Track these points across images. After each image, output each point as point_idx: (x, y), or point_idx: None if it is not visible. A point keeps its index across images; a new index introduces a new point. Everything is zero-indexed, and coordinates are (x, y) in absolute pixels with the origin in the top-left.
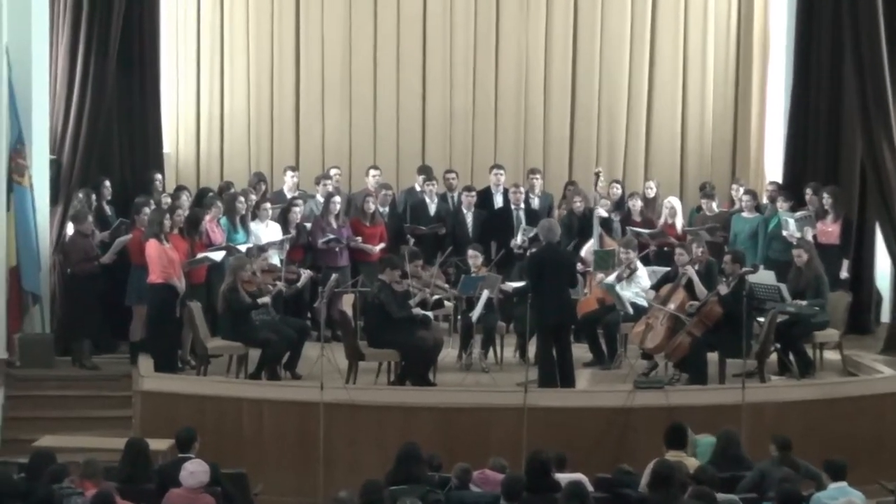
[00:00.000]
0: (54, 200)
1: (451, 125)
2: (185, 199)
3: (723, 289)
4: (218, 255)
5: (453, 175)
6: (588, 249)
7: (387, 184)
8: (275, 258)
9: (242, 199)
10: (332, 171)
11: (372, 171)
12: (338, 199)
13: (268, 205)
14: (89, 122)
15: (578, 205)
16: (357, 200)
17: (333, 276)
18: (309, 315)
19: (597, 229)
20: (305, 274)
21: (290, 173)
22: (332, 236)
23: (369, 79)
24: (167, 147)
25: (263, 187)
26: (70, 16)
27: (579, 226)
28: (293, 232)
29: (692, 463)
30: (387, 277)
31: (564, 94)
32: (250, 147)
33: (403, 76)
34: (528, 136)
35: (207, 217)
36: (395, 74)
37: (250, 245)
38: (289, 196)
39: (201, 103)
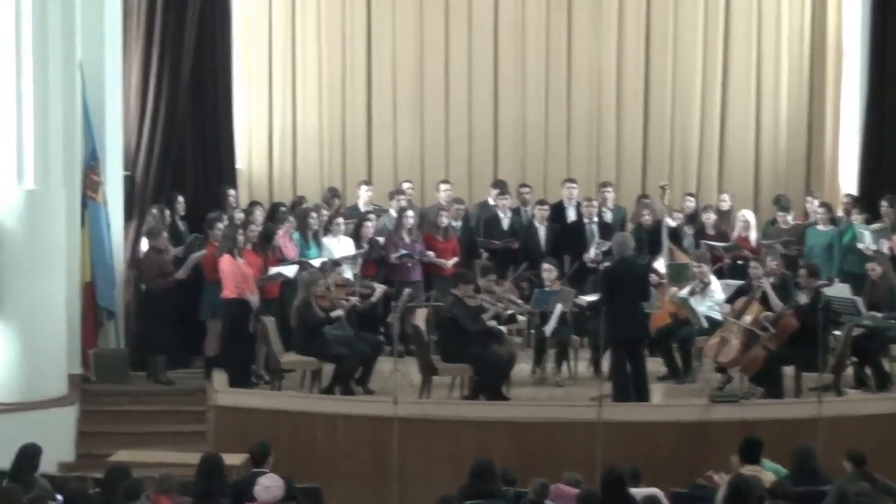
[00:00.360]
0: (128, 216)
1: (524, 138)
2: (259, 215)
3: (802, 298)
4: (291, 271)
5: (528, 189)
6: (661, 263)
7: (459, 198)
8: (348, 273)
9: (315, 214)
10: (405, 186)
11: (442, 186)
12: (411, 213)
13: (341, 220)
14: (163, 138)
15: (647, 218)
16: (430, 215)
17: (406, 290)
18: (382, 330)
19: (665, 242)
20: (379, 289)
21: (363, 188)
22: (405, 251)
23: (441, 92)
24: (240, 162)
25: (337, 202)
26: (143, 31)
27: (648, 239)
28: (366, 247)
29: (768, 477)
30: (460, 292)
31: (637, 105)
32: (322, 162)
33: (475, 89)
34: (601, 149)
35: (280, 232)
36: (467, 87)
37: (324, 259)
38: (363, 210)
39: (273, 118)
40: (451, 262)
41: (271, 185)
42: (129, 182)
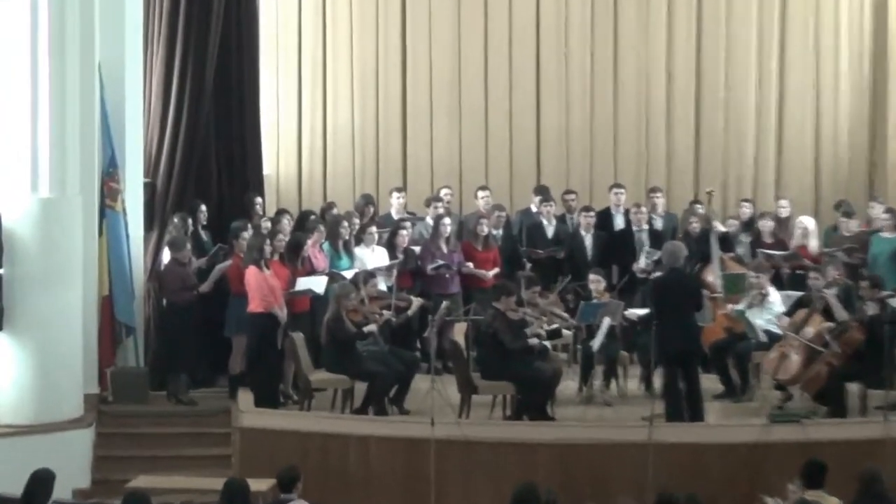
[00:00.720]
0: (149, 226)
1: (568, 141)
2: (286, 224)
3: (868, 309)
4: (320, 283)
5: (573, 196)
6: (713, 273)
7: (500, 205)
8: (382, 285)
9: (346, 222)
10: (443, 192)
11: (480, 193)
12: (448, 221)
13: (373, 228)
14: (185, 143)
15: (694, 226)
16: (469, 223)
17: (444, 303)
18: (418, 346)
19: (716, 252)
20: (415, 302)
21: (395, 195)
22: (442, 262)
23: (480, 94)
24: (267, 168)
25: (371, 210)
26: (165, 31)
27: (697, 248)
28: (401, 257)
29: (833, 503)
30: (501, 305)
31: (688, 108)
32: (355, 167)
33: (516, 90)
34: (650, 153)
35: (310, 242)
36: (508, 89)
37: (356, 271)
38: (396, 219)
39: (303, 122)
40: (491, 274)
41: (300, 192)
42: (150, 189)
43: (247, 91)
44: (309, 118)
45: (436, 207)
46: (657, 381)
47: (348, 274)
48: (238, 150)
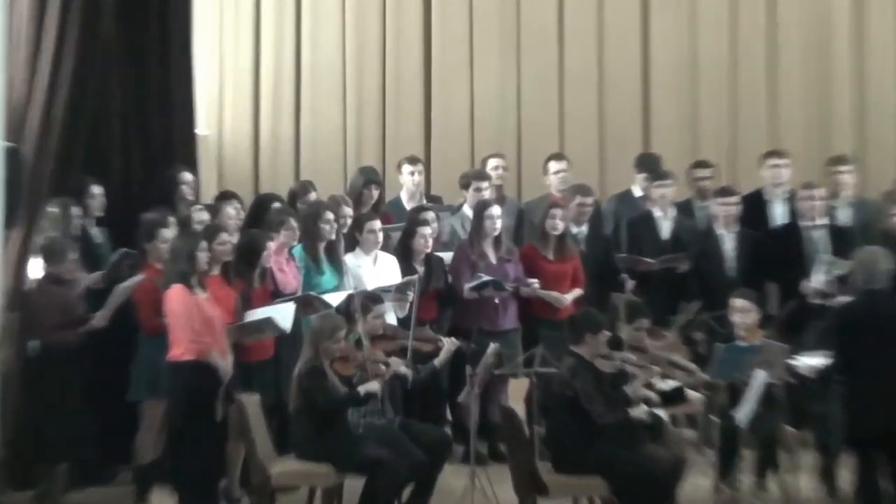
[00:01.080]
0: (9, 220)
1: (694, 82)
2: (233, 215)
3: None
4: (286, 313)
5: (707, 172)
6: None
7: (584, 186)
8: (391, 316)
9: (330, 214)
10: (492, 164)
11: (553, 165)
12: (497, 211)
13: (376, 224)
14: (71, 92)
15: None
16: (534, 215)
17: (492, 346)
18: (449, 416)
19: None
20: (446, 344)
21: (407, 168)
22: (487, 277)
23: (552, 10)
24: (204, 127)
25: (375, 194)
26: None
27: None
28: (421, 270)
29: None
30: (586, 350)
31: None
32: (346, 126)
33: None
34: (829, 105)
35: (272, 245)
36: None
37: (348, 292)
38: (411, 208)
39: (262, 59)
40: (570, 297)
41: (256, 166)
42: (13, 160)
43: (173, 20)
44: (271, 53)
45: (478, 190)
46: (845, 476)
47: (335, 298)
48: (157, 102)
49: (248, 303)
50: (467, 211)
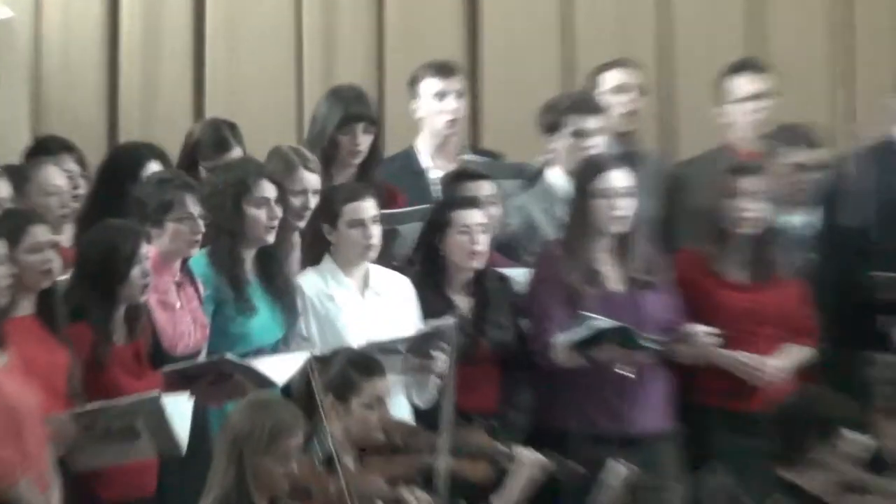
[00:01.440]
0: None
1: None
2: (65, 187)
3: None
4: (176, 409)
5: None
6: None
7: (798, 126)
8: (400, 402)
9: (271, 187)
10: (611, 80)
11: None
12: (624, 181)
13: (366, 206)
14: None
15: None
16: (697, 186)
17: (615, 467)
18: None
19: None
20: (518, 465)
21: (434, 84)
22: (606, 321)
23: None
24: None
25: (365, 142)
26: None
27: None
28: (464, 303)
29: None
30: (809, 477)
31: None
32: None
33: None
34: None
35: (149, 252)
36: None
37: (310, 352)
38: (434, 179)
39: None
40: (780, 363)
41: (114, 87)
42: None
43: None
44: None
45: (581, 135)
46: None
47: (280, 366)
48: None
49: (101, 373)
50: (555, 179)
